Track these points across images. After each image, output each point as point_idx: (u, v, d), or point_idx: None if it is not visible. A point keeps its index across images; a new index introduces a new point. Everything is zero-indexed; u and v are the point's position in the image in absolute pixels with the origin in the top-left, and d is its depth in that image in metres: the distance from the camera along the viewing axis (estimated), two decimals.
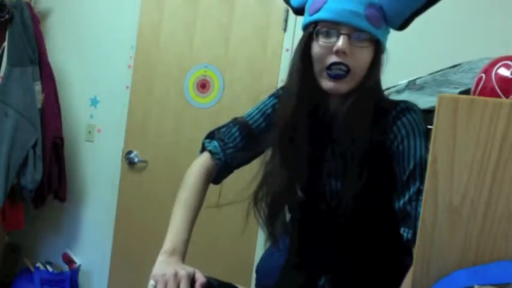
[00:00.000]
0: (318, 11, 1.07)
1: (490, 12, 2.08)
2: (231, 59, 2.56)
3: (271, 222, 1.19)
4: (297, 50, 1.15)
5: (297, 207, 1.23)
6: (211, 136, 1.29)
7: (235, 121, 1.28)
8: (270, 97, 1.32)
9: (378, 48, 1.10)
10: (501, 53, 1.03)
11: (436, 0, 1.07)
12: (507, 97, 0.92)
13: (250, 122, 1.27)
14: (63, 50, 2.88)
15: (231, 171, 1.30)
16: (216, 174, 1.27)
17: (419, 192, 1.03)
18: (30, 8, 2.68)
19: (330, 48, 1.06)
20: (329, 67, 1.07)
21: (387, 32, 1.13)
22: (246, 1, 2.53)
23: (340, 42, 1.04)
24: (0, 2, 2.55)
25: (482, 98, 0.87)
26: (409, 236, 1.04)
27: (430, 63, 1.69)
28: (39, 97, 2.67)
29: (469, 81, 1.39)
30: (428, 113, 1.30)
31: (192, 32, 2.62)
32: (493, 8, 2.08)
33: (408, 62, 2.11)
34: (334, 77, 1.07)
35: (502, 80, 0.93)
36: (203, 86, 2.62)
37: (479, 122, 0.78)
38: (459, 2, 2.13)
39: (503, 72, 0.94)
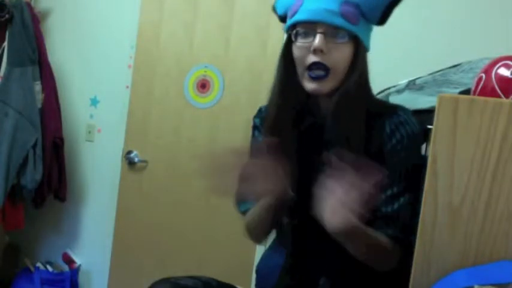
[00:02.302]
0: (295, 13, 1.10)
1: (490, 12, 2.08)
2: (231, 59, 2.56)
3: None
4: (279, 54, 1.17)
5: (295, 209, 1.23)
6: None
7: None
8: (255, 120, 1.32)
9: (358, 45, 1.11)
10: (501, 53, 1.03)
11: None
12: (507, 97, 0.92)
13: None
14: (63, 49, 2.88)
15: None
16: None
17: (410, 200, 1.06)
18: (30, 8, 2.68)
19: (308, 48, 1.08)
20: (309, 67, 1.09)
21: (368, 29, 1.14)
22: (246, 1, 2.53)
23: (317, 40, 1.06)
24: (0, 2, 2.55)
25: (482, 98, 0.87)
26: (394, 235, 1.07)
27: (430, 63, 1.69)
28: (39, 97, 2.67)
29: (469, 81, 1.39)
30: (428, 113, 1.30)
31: (192, 32, 2.62)
32: (493, 8, 2.08)
33: (408, 61, 2.11)
34: (315, 78, 1.09)
35: (502, 80, 0.93)
36: (203, 86, 2.62)
37: (479, 122, 0.78)
38: (459, 2, 2.13)
39: (503, 72, 0.94)
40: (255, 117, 1.33)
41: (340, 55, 1.09)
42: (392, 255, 1.07)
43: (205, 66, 2.61)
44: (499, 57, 0.98)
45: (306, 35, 1.09)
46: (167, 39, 2.66)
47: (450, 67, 1.56)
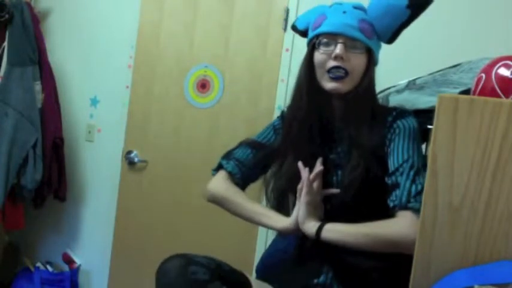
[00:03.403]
0: (319, 26, 1.27)
1: (490, 12, 2.08)
2: (231, 59, 2.56)
3: (278, 210, 1.31)
4: (302, 61, 1.33)
5: None
6: (227, 157, 1.43)
7: (247, 141, 1.43)
8: (276, 119, 1.46)
9: (371, 56, 1.27)
10: (501, 53, 1.03)
11: (417, 15, 1.24)
12: (507, 97, 0.92)
13: (261, 139, 1.42)
14: (63, 50, 2.88)
15: (246, 187, 1.44)
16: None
17: (411, 167, 1.17)
18: (30, 8, 2.68)
19: (329, 54, 1.25)
20: (329, 70, 1.24)
21: (379, 46, 1.31)
22: (246, 1, 2.53)
23: (338, 49, 1.23)
24: (0, 2, 2.55)
25: (482, 98, 0.87)
26: (396, 202, 1.14)
27: (430, 63, 1.69)
28: (39, 97, 2.67)
29: (469, 81, 1.39)
30: (428, 113, 1.31)
31: (192, 32, 2.62)
32: (493, 8, 2.08)
33: (408, 62, 2.11)
34: (335, 78, 1.24)
35: (502, 80, 0.93)
36: (203, 86, 2.62)
37: (479, 122, 0.78)
38: (459, 2, 2.13)
39: (503, 72, 0.94)
40: (277, 118, 1.46)
41: (356, 62, 1.24)
42: (404, 228, 1.10)
43: (205, 66, 2.61)
44: (499, 57, 0.98)
45: (327, 44, 1.25)
46: (167, 39, 2.66)
47: (450, 67, 1.56)
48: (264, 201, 1.39)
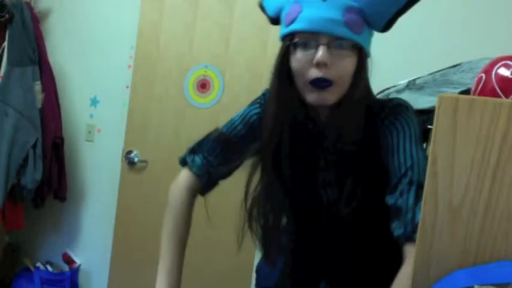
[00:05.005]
0: (293, 21, 1.00)
1: (490, 12, 2.08)
2: (231, 59, 2.56)
3: (265, 243, 1.22)
4: (274, 65, 1.10)
5: (294, 215, 1.24)
6: (193, 151, 1.28)
7: (215, 133, 1.26)
8: (253, 104, 1.25)
9: (361, 54, 1.02)
10: (501, 53, 1.03)
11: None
12: (507, 97, 0.92)
13: (231, 132, 1.23)
14: (63, 50, 2.88)
15: (216, 184, 1.28)
16: (202, 190, 1.28)
17: (411, 183, 0.97)
18: (30, 8, 2.68)
19: (309, 60, 0.99)
20: (311, 82, 1.00)
21: (370, 36, 1.06)
22: (246, 1, 2.53)
23: (320, 53, 0.97)
24: (0, 2, 2.55)
25: (482, 98, 0.87)
26: (400, 231, 0.97)
27: (430, 63, 1.69)
28: (39, 97, 2.67)
29: (469, 81, 1.39)
30: (428, 113, 1.31)
31: (192, 32, 2.62)
32: (493, 7, 2.08)
33: (408, 61, 2.11)
34: (319, 87, 1.00)
35: (502, 80, 0.93)
36: (203, 86, 2.62)
37: (479, 122, 0.78)
38: (459, 2, 2.13)
39: (503, 72, 0.94)
40: (258, 104, 1.25)
41: (344, 67, 1.00)
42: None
43: (205, 66, 2.61)
44: (499, 57, 0.98)
45: (306, 46, 0.99)
46: (167, 39, 2.66)
47: (450, 67, 1.56)
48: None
